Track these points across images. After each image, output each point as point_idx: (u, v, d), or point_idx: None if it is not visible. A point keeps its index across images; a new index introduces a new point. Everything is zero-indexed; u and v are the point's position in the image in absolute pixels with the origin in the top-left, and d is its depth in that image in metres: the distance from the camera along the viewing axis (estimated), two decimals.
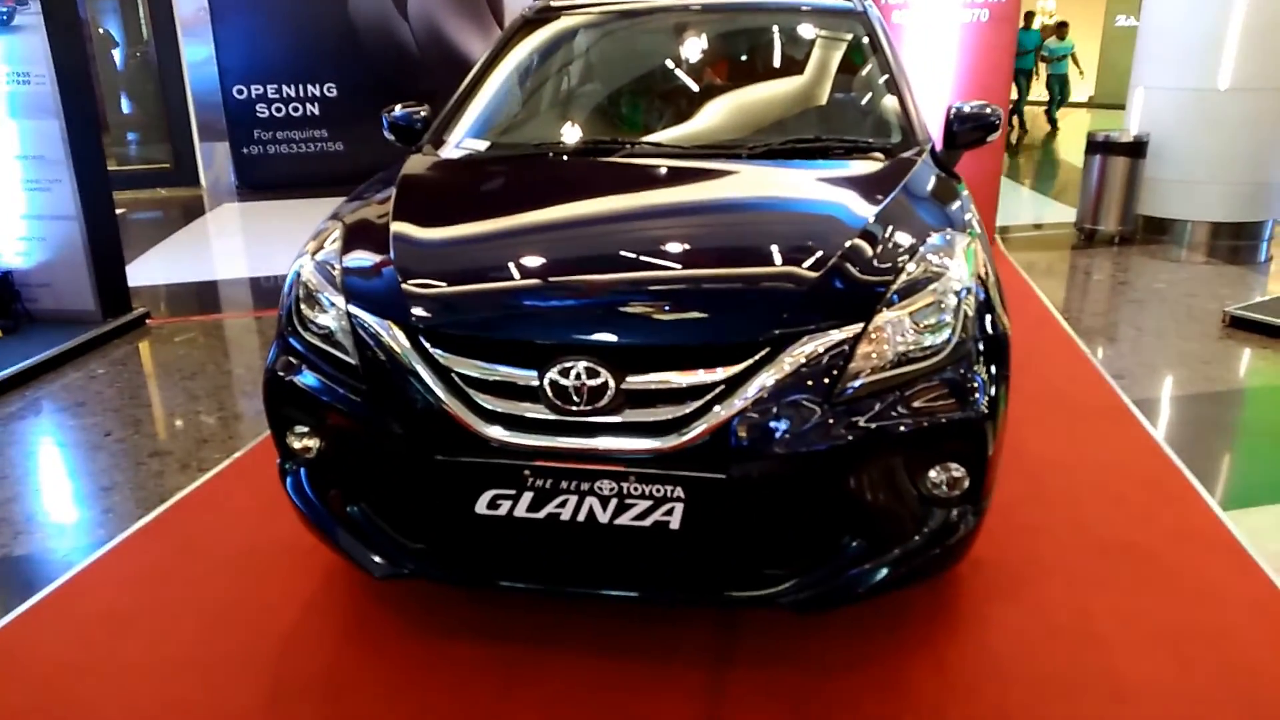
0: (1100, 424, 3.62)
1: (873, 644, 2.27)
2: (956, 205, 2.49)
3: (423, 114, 3.17)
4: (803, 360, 1.91)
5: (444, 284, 2.14)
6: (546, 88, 3.46)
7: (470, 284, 2.19)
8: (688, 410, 1.90)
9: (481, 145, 3.03)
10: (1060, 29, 15.28)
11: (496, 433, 1.94)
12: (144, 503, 3.14)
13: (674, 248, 2.23)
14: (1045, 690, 2.12)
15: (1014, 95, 13.75)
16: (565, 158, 2.92)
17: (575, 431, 1.93)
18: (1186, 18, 6.61)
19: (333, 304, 2.18)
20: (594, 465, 1.94)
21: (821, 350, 1.92)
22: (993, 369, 2.08)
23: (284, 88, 9.75)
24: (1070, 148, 13.27)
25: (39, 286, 4.94)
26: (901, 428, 1.93)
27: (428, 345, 2.01)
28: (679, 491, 1.93)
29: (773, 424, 1.88)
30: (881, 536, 2.03)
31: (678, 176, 2.65)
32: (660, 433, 1.90)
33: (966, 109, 2.99)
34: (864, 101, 3.19)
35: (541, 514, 1.99)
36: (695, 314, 2.02)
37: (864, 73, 3.20)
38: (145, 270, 6.54)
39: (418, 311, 2.05)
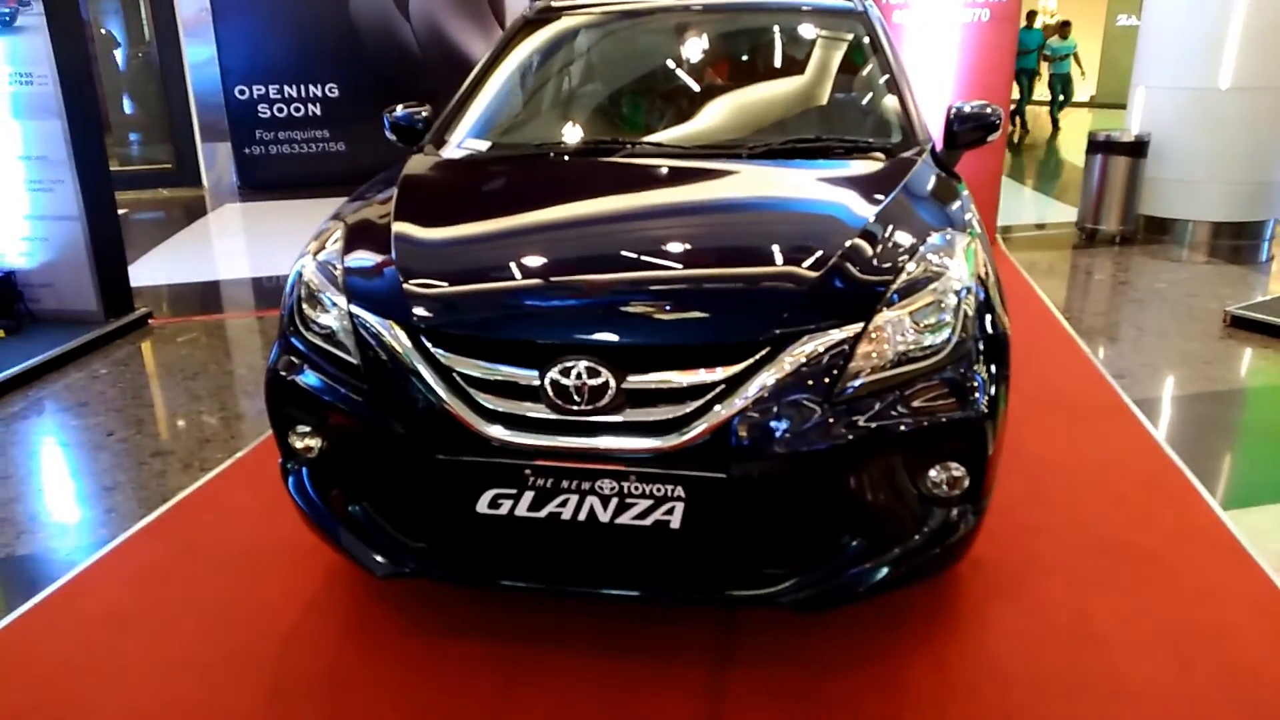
0: (1101, 424, 3.62)
1: (873, 644, 2.27)
2: (957, 205, 2.49)
3: (424, 114, 3.18)
4: (803, 360, 1.91)
5: (445, 284, 2.15)
6: (547, 88, 3.46)
7: (471, 284, 2.20)
8: (688, 410, 1.90)
9: (483, 145, 3.03)
10: (1063, 28, 15.26)
11: (498, 432, 1.95)
12: (146, 502, 3.14)
13: (674, 247, 2.23)
14: (1045, 690, 2.12)
15: (1016, 95, 13.73)
16: (566, 158, 2.93)
17: (576, 431, 1.94)
18: (1187, 17, 6.61)
19: (334, 304, 2.19)
20: (595, 464, 1.95)
21: (822, 350, 1.93)
22: (993, 368, 2.08)
23: (286, 88, 9.77)
24: (1072, 147, 13.27)
25: (42, 287, 4.95)
26: (901, 427, 1.94)
27: (429, 345, 2.02)
28: (679, 491, 1.94)
29: (773, 423, 1.89)
30: (882, 536, 2.04)
31: (678, 176, 2.66)
32: (661, 432, 1.90)
33: (967, 109, 2.99)
34: (864, 101, 3.20)
35: (542, 513, 2.00)
36: (696, 314, 2.02)
37: (864, 73, 3.20)
38: (147, 270, 6.55)
39: (419, 311, 2.06)
